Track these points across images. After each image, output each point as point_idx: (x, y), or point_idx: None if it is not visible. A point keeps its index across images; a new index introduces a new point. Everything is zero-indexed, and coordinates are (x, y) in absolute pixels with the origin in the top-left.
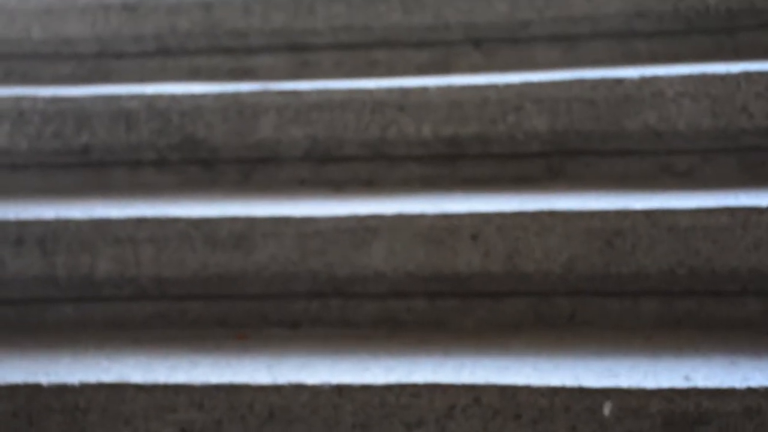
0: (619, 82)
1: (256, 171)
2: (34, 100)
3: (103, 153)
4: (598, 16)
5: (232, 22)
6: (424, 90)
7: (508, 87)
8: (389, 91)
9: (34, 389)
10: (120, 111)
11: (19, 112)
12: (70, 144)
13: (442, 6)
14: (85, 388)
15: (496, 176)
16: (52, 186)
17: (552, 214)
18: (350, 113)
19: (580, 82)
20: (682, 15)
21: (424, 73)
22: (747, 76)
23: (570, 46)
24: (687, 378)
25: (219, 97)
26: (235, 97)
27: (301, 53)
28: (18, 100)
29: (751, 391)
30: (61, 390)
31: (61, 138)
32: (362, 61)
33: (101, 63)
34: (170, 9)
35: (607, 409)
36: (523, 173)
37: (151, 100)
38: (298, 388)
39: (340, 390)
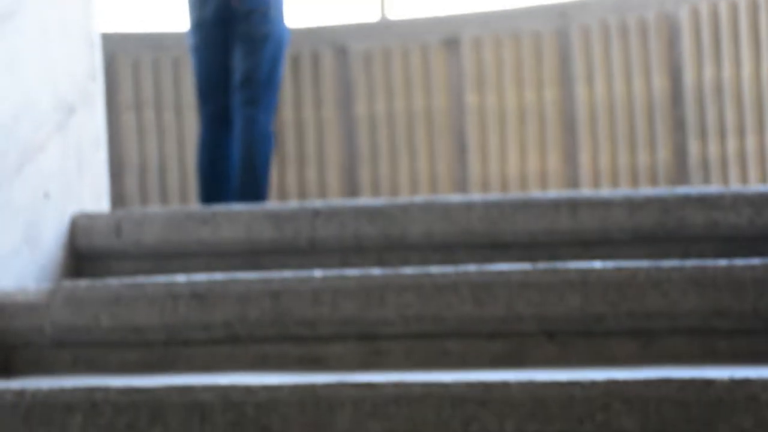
0: (708, 383)
1: None
2: (107, 391)
3: None
4: (675, 313)
5: (301, 310)
6: (505, 386)
7: (594, 385)
8: (469, 385)
9: None
10: (194, 403)
11: (91, 403)
12: None
13: (513, 298)
14: None
15: None
16: None
17: None
18: (429, 408)
19: (668, 382)
20: (763, 314)
21: (497, 365)
22: None
23: (647, 340)
24: None
25: (294, 389)
26: (311, 389)
27: (371, 342)
28: (90, 391)
29: None
30: None
31: (135, 430)
32: (434, 351)
33: (169, 350)
34: (239, 297)
35: None
36: None
37: (226, 392)
38: None
39: None
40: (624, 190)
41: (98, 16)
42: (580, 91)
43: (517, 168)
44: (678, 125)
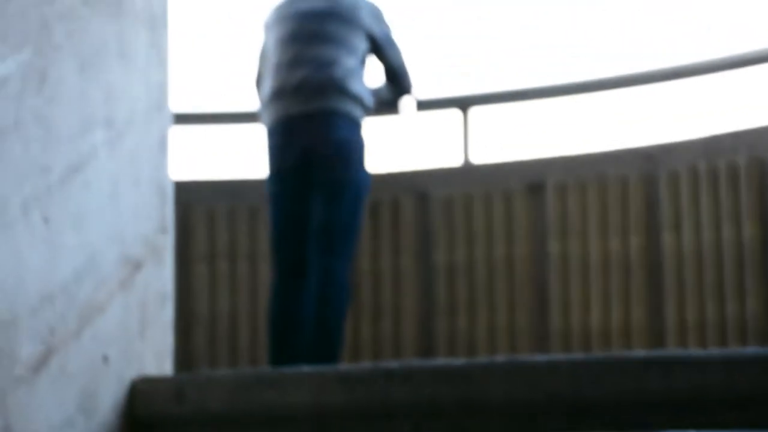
0: None
1: None
2: None
3: None
4: None
5: None
6: None
7: None
8: None
9: None
10: None
11: None
12: None
13: None
14: None
15: None
16: None
17: None
18: None
19: None
20: None
21: None
22: None
23: None
24: None
25: None
26: None
27: None
28: None
29: None
30: None
31: None
32: None
33: None
34: None
35: None
36: None
37: None
38: None
39: None
40: (721, 350)
41: (171, 166)
42: (667, 238)
43: (600, 320)
44: None
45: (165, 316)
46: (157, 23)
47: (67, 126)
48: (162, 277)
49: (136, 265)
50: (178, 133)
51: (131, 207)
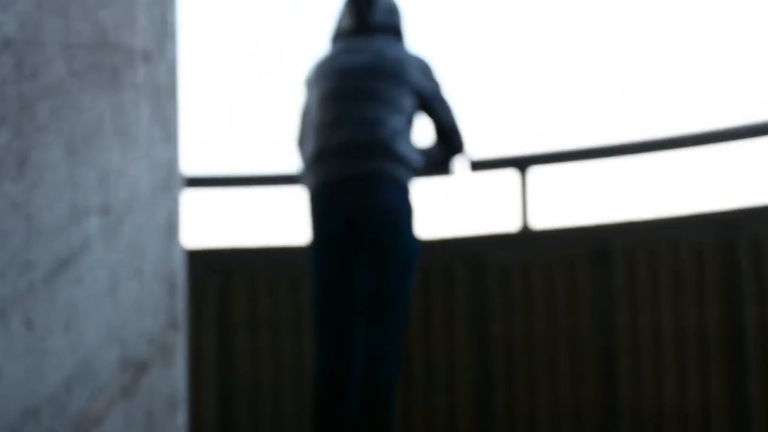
0: None
1: None
2: None
3: None
4: None
5: None
6: None
7: None
8: None
9: None
10: None
11: None
12: None
13: None
14: None
15: None
16: None
17: None
18: None
19: None
20: None
21: None
22: None
23: None
24: None
25: None
26: None
27: None
28: None
29: None
30: None
31: None
32: None
33: None
34: None
35: None
36: None
37: None
38: None
39: None
40: None
41: (181, 254)
42: (749, 310)
43: (675, 398)
44: None
45: (176, 423)
46: (162, 95)
47: (53, 215)
48: (171, 379)
49: (141, 368)
50: (218, 198)
51: (133, 302)
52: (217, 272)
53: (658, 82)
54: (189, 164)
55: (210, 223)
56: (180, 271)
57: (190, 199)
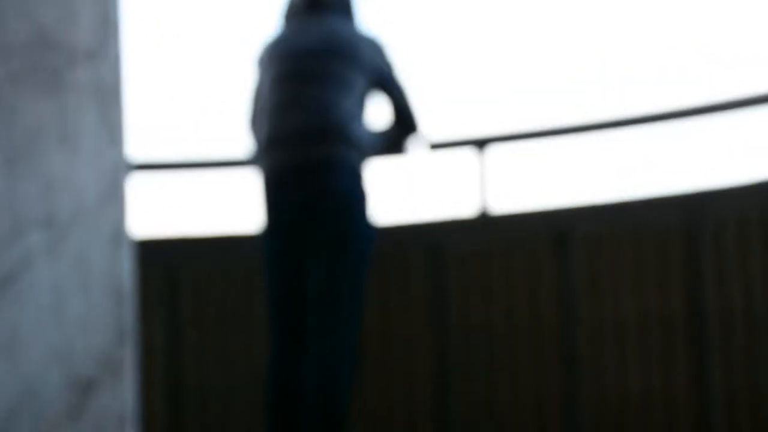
0: None
1: None
2: None
3: None
4: None
5: None
6: None
7: None
8: None
9: None
10: None
11: None
12: None
13: None
14: None
15: None
16: None
17: None
18: None
19: None
20: None
21: None
22: None
23: None
24: None
25: None
26: None
27: None
28: None
29: None
30: None
31: None
32: None
33: None
34: None
35: None
36: None
37: None
38: None
39: None
40: None
41: (129, 263)
42: (711, 294)
43: (638, 384)
44: None
45: None
46: (107, 95)
47: None
48: (121, 396)
49: (88, 387)
50: (161, 184)
51: (79, 318)
52: (162, 264)
53: (638, 76)
54: (133, 150)
55: (155, 212)
56: (128, 281)
57: (133, 186)
